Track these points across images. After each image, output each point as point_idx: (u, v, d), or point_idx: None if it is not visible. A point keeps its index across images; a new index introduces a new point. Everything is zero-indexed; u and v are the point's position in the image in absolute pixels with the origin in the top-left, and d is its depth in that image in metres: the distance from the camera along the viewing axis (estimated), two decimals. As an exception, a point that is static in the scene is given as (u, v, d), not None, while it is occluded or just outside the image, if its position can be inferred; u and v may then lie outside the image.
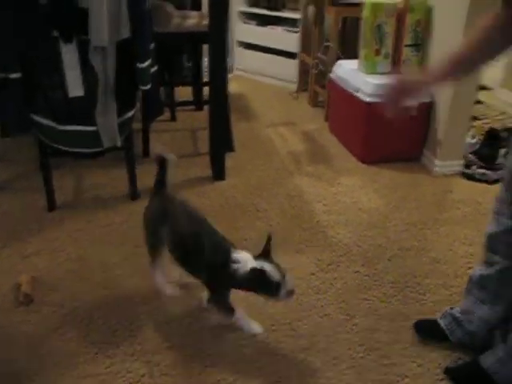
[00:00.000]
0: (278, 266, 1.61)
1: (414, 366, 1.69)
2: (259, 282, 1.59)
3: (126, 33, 2.20)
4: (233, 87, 4.13)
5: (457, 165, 3.06)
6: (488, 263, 1.63)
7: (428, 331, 1.81)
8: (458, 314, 1.74)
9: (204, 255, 1.67)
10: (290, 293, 1.62)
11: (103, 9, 2.05)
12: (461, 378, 1.66)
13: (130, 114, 2.43)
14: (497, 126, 3.79)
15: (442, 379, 1.65)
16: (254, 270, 1.58)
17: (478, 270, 1.68)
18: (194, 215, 1.83)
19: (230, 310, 1.72)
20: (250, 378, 1.62)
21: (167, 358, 1.68)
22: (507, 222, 1.53)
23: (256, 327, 1.78)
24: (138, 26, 2.23)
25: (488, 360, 1.60)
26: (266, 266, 1.59)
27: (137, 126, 2.89)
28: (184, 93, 3.82)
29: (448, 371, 1.68)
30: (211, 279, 1.71)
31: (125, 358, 1.68)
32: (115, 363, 1.65)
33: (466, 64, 1.45)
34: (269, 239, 1.65)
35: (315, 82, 4.07)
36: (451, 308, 1.79)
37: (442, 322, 1.79)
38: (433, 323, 1.81)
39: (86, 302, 1.91)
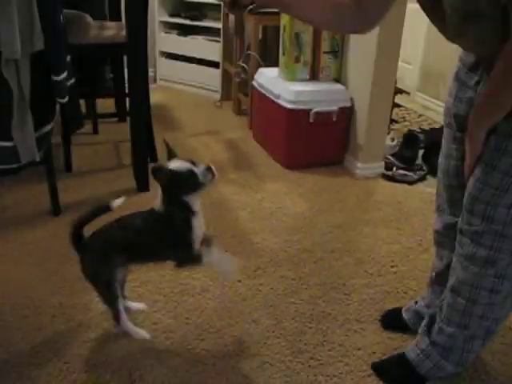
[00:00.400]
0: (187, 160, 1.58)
1: (341, 365, 1.72)
2: (179, 181, 1.55)
3: (39, 44, 2.14)
4: (156, 97, 4.10)
5: (378, 167, 3.16)
6: (439, 258, 1.72)
7: (393, 322, 1.90)
8: (420, 309, 1.81)
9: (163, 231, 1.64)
10: (208, 170, 1.57)
11: (14, 20, 1.99)
12: (387, 371, 1.71)
13: (48, 127, 2.37)
14: (415, 128, 3.94)
15: (369, 375, 1.68)
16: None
17: (436, 265, 1.76)
18: (125, 219, 1.76)
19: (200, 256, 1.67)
20: (179, 390, 1.60)
21: (94, 375, 1.64)
22: (448, 218, 1.61)
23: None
24: (52, 37, 2.18)
25: (413, 353, 1.66)
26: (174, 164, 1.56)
27: (57, 139, 2.83)
28: (106, 104, 3.76)
29: (375, 366, 1.73)
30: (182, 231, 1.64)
31: (49, 379, 1.62)
32: (37, 384, 1.60)
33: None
34: (167, 145, 1.66)
35: (238, 90, 4.10)
36: (415, 302, 1.87)
37: (405, 315, 1.88)
38: (398, 314, 1.90)
39: (7, 324, 1.84)
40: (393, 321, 1.92)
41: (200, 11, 4.57)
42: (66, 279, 2.08)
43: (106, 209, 1.72)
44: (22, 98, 2.17)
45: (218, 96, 4.48)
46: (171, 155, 1.63)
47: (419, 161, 3.28)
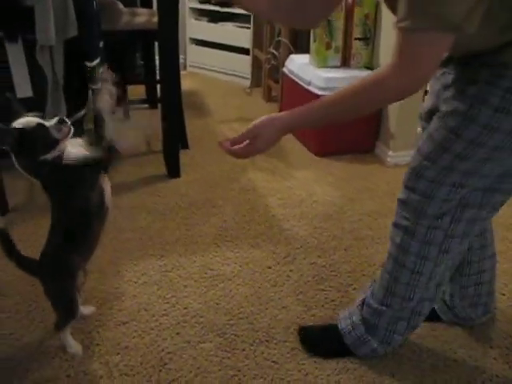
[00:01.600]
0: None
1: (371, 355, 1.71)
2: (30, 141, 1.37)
3: (73, 31, 2.17)
4: (186, 84, 4.11)
5: (409, 155, 3.07)
6: None
7: None
8: (446, 297, 1.80)
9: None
10: (61, 122, 1.40)
11: (49, 7, 2.02)
12: (316, 338, 1.75)
13: (81, 113, 2.40)
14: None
15: (401, 363, 1.68)
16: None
17: None
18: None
19: None
20: (209, 373, 1.61)
21: (125, 357, 1.67)
22: None
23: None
24: (86, 24, 2.21)
25: (344, 322, 1.69)
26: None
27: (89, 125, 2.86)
28: (137, 91, 3.79)
29: (301, 332, 1.77)
30: None
31: (82, 360, 1.65)
32: (72, 366, 1.63)
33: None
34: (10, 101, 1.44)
35: (268, 77, 4.09)
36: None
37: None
38: None
39: (40, 306, 1.87)
40: None
41: (230, -3, 4.55)
42: (97, 264, 2.10)
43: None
44: (56, 85, 2.20)
45: (247, 83, 4.48)
46: (15, 113, 1.40)
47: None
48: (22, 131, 1.35)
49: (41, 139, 1.38)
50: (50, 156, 1.40)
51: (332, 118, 1.37)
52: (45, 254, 1.56)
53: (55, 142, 1.40)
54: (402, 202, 1.45)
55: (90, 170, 1.47)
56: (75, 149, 1.45)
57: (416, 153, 1.42)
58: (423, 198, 1.38)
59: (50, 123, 1.39)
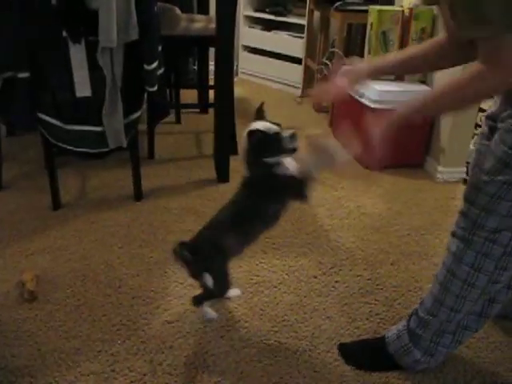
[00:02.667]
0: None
1: (413, 371, 1.69)
2: (266, 143, 1.56)
3: (134, 34, 2.22)
4: (237, 91, 4.13)
5: (459, 172, 3.08)
6: None
7: None
8: None
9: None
10: (293, 137, 1.57)
11: (113, 10, 2.07)
12: (355, 348, 1.76)
13: (136, 115, 2.45)
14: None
15: (442, 378, 1.65)
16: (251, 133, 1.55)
17: None
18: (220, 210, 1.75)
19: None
20: (251, 378, 1.62)
21: (169, 357, 1.69)
22: None
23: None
24: (147, 28, 2.25)
25: (390, 332, 1.71)
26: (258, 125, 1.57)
27: (142, 127, 2.91)
28: (187, 96, 3.84)
29: (342, 346, 1.77)
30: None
31: (127, 356, 1.68)
32: (118, 361, 1.66)
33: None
34: (261, 105, 1.66)
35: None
36: None
37: None
38: None
39: (89, 301, 1.92)
40: None
41: (285, 7, 4.58)
42: (146, 263, 2.15)
43: None
44: (114, 86, 2.25)
45: (298, 92, 4.49)
46: (259, 116, 1.62)
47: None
48: (264, 133, 1.55)
49: (274, 144, 1.56)
50: (272, 160, 1.58)
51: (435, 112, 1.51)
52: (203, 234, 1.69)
53: (283, 151, 1.58)
54: (462, 214, 1.45)
55: (293, 185, 1.63)
56: (290, 164, 1.62)
57: (476, 167, 1.41)
58: (482, 212, 1.37)
59: (285, 134, 1.57)
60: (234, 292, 1.95)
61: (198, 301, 1.80)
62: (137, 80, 2.37)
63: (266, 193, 1.64)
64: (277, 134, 1.56)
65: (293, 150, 1.58)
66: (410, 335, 1.63)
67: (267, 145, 1.56)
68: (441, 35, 1.49)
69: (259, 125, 1.57)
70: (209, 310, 1.86)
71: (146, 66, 2.33)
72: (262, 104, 1.66)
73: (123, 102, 2.31)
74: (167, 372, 1.63)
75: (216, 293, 1.75)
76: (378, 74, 1.63)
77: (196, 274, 1.71)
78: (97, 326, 1.81)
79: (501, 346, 1.82)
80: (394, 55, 1.61)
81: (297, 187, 1.62)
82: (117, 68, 2.23)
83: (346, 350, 1.76)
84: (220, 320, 1.85)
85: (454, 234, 1.49)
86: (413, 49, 1.61)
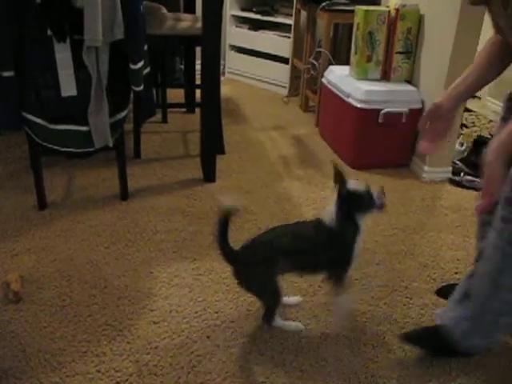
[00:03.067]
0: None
1: (399, 369, 1.70)
2: (359, 201, 1.67)
3: (119, 33, 2.21)
4: (224, 90, 4.14)
5: (445, 171, 3.10)
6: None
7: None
8: None
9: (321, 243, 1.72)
10: (382, 194, 1.70)
11: (98, 9, 2.06)
12: (420, 339, 1.78)
13: (122, 114, 2.44)
14: (485, 134, 3.83)
15: (429, 380, 1.66)
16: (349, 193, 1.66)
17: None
18: (290, 227, 1.84)
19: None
20: (238, 378, 1.62)
21: (155, 357, 1.68)
22: None
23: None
24: (132, 27, 2.24)
25: (446, 319, 1.74)
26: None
27: (128, 126, 2.90)
28: (174, 95, 3.83)
29: (405, 336, 1.79)
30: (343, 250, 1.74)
31: (113, 357, 1.68)
32: (104, 362, 1.65)
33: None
34: (336, 167, 1.69)
35: (306, 86, 4.10)
36: None
37: None
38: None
39: (74, 301, 1.91)
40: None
41: (272, 6, 4.59)
42: (131, 263, 2.14)
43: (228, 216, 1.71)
44: (100, 85, 2.24)
45: (285, 92, 4.49)
46: (339, 177, 1.68)
47: (489, 168, 3.19)
48: (358, 192, 1.68)
49: (366, 202, 1.69)
50: (361, 215, 1.71)
51: None
52: (252, 246, 1.75)
53: (372, 207, 1.70)
54: (509, 199, 1.46)
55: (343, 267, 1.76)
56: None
57: None
58: None
59: (375, 192, 1.69)
60: (293, 300, 1.96)
61: (267, 319, 1.80)
62: (123, 79, 2.36)
63: (340, 244, 1.72)
64: (368, 194, 1.69)
65: (381, 207, 1.71)
66: (468, 321, 1.66)
67: (360, 202, 1.68)
68: (492, 38, 1.57)
69: (352, 185, 1.68)
70: (285, 323, 1.84)
71: (131, 66, 2.32)
72: (336, 164, 1.70)
73: (109, 102, 2.30)
74: (153, 372, 1.63)
75: (269, 304, 1.78)
76: (460, 103, 1.65)
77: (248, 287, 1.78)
78: (82, 326, 1.80)
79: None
80: (466, 77, 1.61)
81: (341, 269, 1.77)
82: (102, 67, 2.22)
83: (407, 337, 1.78)
84: (206, 320, 1.85)
85: (503, 219, 1.49)
86: (478, 62, 1.61)
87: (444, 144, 1.63)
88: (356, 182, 1.69)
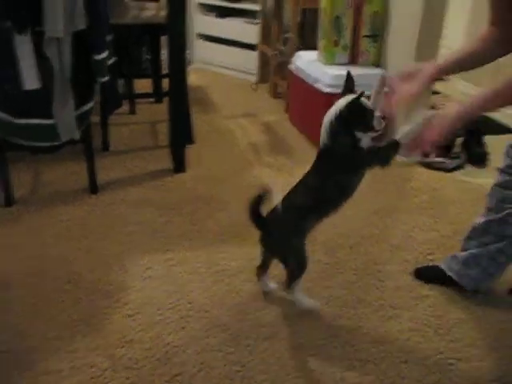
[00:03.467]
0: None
1: (375, 351, 1.71)
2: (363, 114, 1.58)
3: (81, 24, 2.16)
4: (192, 79, 4.11)
5: (415, 154, 3.11)
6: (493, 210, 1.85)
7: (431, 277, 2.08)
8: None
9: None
10: (382, 119, 1.59)
11: (58, -1, 2.01)
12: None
13: (87, 106, 2.40)
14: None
15: (404, 361, 1.67)
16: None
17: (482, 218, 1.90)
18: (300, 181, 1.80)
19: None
20: (213, 368, 1.61)
21: (130, 350, 1.67)
22: None
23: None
24: (94, 16, 2.20)
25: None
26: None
27: (96, 119, 2.86)
28: (142, 85, 3.78)
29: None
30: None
31: (87, 352, 1.66)
32: (77, 358, 1.63)
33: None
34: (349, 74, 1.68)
35: (275, 73, 4.08)
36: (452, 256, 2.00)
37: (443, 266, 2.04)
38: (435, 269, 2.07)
39: (46, 298, 1.88)
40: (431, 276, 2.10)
41: (238, -7, 4.55)
42: (103, 256, 2.11)
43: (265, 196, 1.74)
44: (63, 77, 2.19)
45: (254, 79, 4.47)
46: (349, 88, 1.66)
47: (457, 149, 3.22)
48: (362, 104, 1.57)
49: (367, 119, 1.58)
50: (359, 135, 1.60)
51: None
52: (282, 211, 1.73)
53: (371, 129, 1.60)
54: None
55: (370, 159, 1.68)
56: (367, 138, 1.64)
57: None
58: None
59: (377, 114, 1.59)
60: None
61: (289, 284, 1.79)
62: (87, 71, 2.32)
63: (348, 166, 1.67)
64: (372, 111, 1.58)
65: (378, 131, 1.61)
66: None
67: (363, 118, 1.58)
68: (483, 31, 1.61)
69: (359, 99, 1.56)
70: (305, 298, 1.85)
71: (95, 56, 2.28)
72: (349, 73, 1.68)
73: (73, 94, 2.26)
74: (128, 366, 1.61)
75: (296, 273, 1.78)
76: (441, 75, 1.67)
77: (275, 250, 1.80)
78: (55, 323, 1.77)
79: (460, 323, 1.85)
80: (453, 55, 1.65)
81: (381, 155, 1.67)
82: (65, 59, 2.17)
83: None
84: (180, 311, 1.84)
85: None
86: (467, 47, 1.66)
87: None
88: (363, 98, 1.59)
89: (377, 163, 1.68)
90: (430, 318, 1.87)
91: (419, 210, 2.57)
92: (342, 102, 1.60)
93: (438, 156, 3.09)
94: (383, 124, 1.60)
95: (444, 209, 2.60)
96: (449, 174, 2.99)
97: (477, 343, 1.77)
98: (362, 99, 1.56)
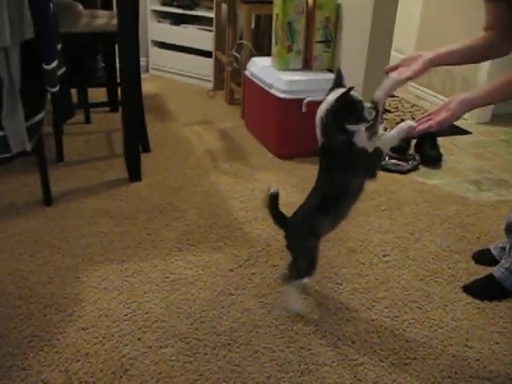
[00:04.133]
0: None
1: (332, 354, 1.72)
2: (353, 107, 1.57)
3: (29, 33, 2.13)
4: (148, 87, 4.10)
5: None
6: None
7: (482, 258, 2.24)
8: (505, 245, 2.10)
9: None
10: (373, 108, 1.60)
11: (3, 7, 1.97)
12: (478, 289, 2.06)
13: (38, 117, 2.35)
14: (407, 117, 3.93)
15: (360, 363, 1.69)
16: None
17: None
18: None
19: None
20: (171, 378, 1.60)
21: (85, 364, 1.64)
22: None
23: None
24: (42, 25, 2.16)
25: (498, 271, 2.02)
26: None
27: (50, 129, 2.82)
28: (98, 94, 3.74)
29: (466, 288, 2.07)
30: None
31: (41, 368, 1.62)
32: (31, 375, 1.59)
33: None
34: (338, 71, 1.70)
35: (231, 79, 4.08)
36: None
37: (493, 252, 2.22)
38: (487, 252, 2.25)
39: (-3, 314, 1.84)
40: (482, 257, 2.25)
41: (192, 0, 4.54)
42: (57, 269, 2.08)
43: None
44: (13, 87, 2.15)
45: (210, 85, 4.46)
46: (338, 83, 1.66)
47: (412, 151, 3.28)
48: (352, 98, 1.57)
49: (357, 111, 1.57)
50: (351, 128, 1.59)
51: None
52: (299, 212, 1.81)
53: (362, 120, 1.59)
54: None
55: (370, 157, 1.66)
56: (362, 135, 1.63)
57: None
58: None
59: (367, 104, 1.59)
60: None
61: (285, 278, 1.88)
62: (37, 81, 2.28)
63: (346, 162, 1.66)
64: (361, 102, 1.58)
65: (369, 121, 1.60)
66: None
67: (352, 110, 1.57)
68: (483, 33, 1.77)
69: (349, 92, 1.57)
70: (295, 297, 1.90)
71: (45, 66, 2.24)
72: (339, 69, 1.72)
73: (24, 104, 2.21)
74: (83, 381, 1.58)
75: (302, 272, 1.84)
76: (440, 62, 1.76)
77: (291, 248, 1.84)
78: (6, 340, 1.72)
79: (414, 323, 1.88)
80: (454, 45, 1.76)
81: (369, 162, 1.68)
82: (14, 68, 2.13)
83: (470, 289, 2.06)
84: (136, 322, 1.82)
85: None
86: (468, 41, 1.77)
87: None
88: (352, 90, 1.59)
89: (363, 171, 1.71)
90: (385, 320, 1.89)
91: (376, 213, 2.60)
92: (331, 97, 1.61)
93: (393, 158, 3.14)
94: (373, 114, 1.61)
95: (400, 210, 2.64)
96: (404, 176, 3.04)
97: (431, 342, 1.80)
98: (352, 92, 1.57)
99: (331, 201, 1.73)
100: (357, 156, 1.64)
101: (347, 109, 1.57)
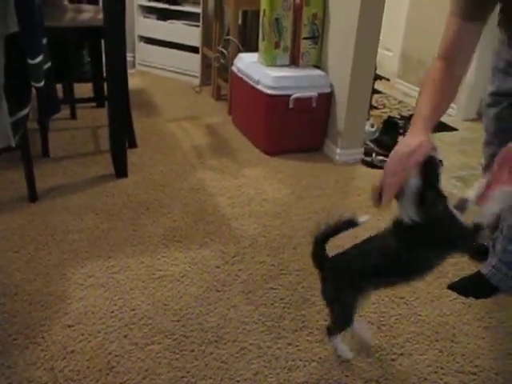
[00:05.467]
0: None
1: (319, 351, 1.72)
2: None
3: (14, 26, 2.10)
4: (135, 82, 4.08)
5: (357, 153, 3.16)
6: None
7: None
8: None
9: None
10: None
11: (-14, 1, 1.95)
12: (465, 286, 2.06)
13: (23, 112, 2.32)
14: (395, 114, 3.95)
15: (348, 359, 1.69)
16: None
17: None
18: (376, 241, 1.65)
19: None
20: (158, 375, 1.60)
21: (71, 362, 1.63)
22: None
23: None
24: (28, 19, 2.13)
25: (485, 269, 2.02)
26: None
27: (35, 124, 2.79)
28: (84, 89, 3.71)
29: (452, 286, 2.07)
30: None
31: (26, 366, 1.60)
32: (16, 373, 1.58)
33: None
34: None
35: (218, 75, 4.07)
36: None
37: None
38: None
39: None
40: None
41: (179, -5, 4.52)
42: (43, 266, 2.06)
43: (353, 224, 1.64)
44: (-3, 82, 2.13)
45: (197, 81, 4.45)
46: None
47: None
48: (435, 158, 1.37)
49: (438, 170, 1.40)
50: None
51: None
52: (342, 257, 1.65)
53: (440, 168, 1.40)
54: None
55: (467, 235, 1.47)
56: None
57: None
58: None
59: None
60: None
61: (329, 331, 1.69)
62: (21, 75, 2.25)
63: (438, 241, 1.45)
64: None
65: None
66: (506, 266, 1.95)
67: (438, 173, 1.39)
68: (436, 66, 1.50)
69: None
70: (341, 346, 1.70)
71: (29, 61, 2.21)
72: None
73: (8, 99, 2.19)
74: (69, 378, 1.57)
75: (336, 326, 1.66)
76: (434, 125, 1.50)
77: (325, 296, 1.65)
78: (-9, 337, 1.72)
79: (401, 318, 1.89)
80: (430, 102, 1.48)
81: (469, 239, 1.48)
82: (-2, 63, 2.11)
83: (455, 287, 2.06)
84: (123, 318, 1.81)
85: None
86: (432, 91, 1.49)
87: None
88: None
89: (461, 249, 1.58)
90: (372, 315, 1.90)
91: (362, 209, 2.61)
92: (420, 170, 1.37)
93: (380, 155, 3.15)
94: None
95: (387, 206, 2.63)
96: (390, 172, 3.04)
97: (417, 338, 1.81)
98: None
99: (394, 273, 1.54)
100: (456, 230, 1.44)
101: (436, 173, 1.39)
